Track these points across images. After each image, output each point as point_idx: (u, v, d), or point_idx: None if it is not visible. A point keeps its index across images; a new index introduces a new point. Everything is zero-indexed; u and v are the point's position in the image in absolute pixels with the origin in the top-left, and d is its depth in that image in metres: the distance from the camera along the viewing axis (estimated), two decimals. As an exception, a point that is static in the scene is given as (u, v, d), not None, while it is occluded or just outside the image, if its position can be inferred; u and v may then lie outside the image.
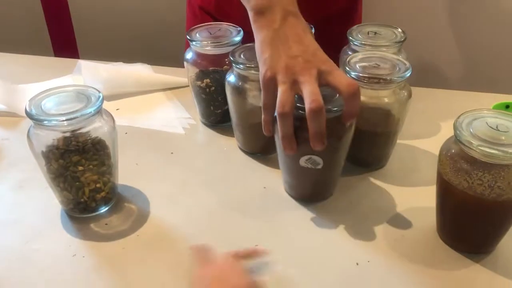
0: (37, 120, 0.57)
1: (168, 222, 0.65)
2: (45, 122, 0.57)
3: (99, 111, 0.60)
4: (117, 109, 0.87)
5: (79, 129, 0.59)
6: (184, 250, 0.60)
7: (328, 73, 0.58)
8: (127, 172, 0.73)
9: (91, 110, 0.58)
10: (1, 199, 0.69)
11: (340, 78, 0.58)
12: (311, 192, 0.69)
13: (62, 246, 0.61)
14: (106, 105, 0.87)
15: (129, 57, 1.03)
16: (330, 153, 0.63)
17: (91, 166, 0.61)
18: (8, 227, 0.64)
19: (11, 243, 0.62)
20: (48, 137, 0.59)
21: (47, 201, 0.67)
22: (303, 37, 0.61)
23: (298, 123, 0.60)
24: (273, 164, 0.72)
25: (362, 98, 0.66)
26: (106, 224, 0.64)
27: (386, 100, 0.67)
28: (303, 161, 0.63)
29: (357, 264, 0.59)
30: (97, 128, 0.61)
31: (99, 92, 0.61)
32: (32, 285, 0.56)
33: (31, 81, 0.95)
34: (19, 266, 0.59)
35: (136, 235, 0.63)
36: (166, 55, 0.87)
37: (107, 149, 0.63)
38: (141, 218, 0.65)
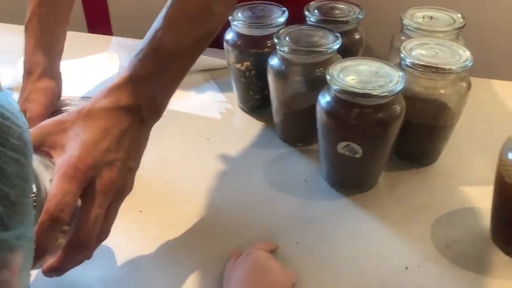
0: None
1: (201, 212, 0.62)
2: None
3: None
4: (152, 90, 0.84)
5: None
6: (218, 240, 0.57)
7: None
8: (162, 156, 0.70)
9: None
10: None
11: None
12: (348, 181, 0.65)
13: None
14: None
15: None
16: (371, 142, 0.59)
17: None
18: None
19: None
20: None
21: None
22: None
23: (337, 106, 0.56)
24: (315, 155, 0.68)
25: (417, 88, 0.61)
26: (141, 211, 0.62)
27: (442, 91, 0.62)
28: (340, 147, 0.59)
29: (407, 268, 0.54)
30: None
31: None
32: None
33: (66, 57, 0.92)
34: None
35: (171, 224, 0.60)
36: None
37: None
38: (176, 205, 0.62)
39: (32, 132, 0.42)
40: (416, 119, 0.63)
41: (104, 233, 0.45)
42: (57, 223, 0.39)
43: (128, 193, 0.47)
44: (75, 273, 0.53)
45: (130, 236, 0.58)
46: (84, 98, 0.81)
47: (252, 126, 0.77)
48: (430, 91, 0.62)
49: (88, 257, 0.45)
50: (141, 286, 0.53)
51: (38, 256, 0.37)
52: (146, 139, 0.49)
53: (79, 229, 0.41)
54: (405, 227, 0.59)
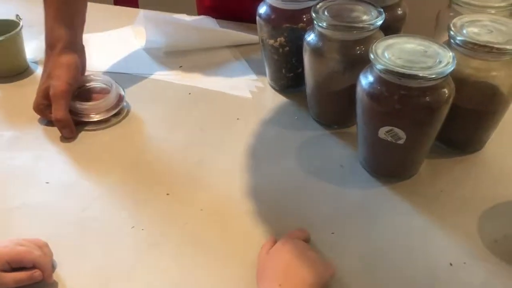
0: None
1: (231, 196, 0.59)
2: None
3: None
4: (180, 67, 0.81)
5: None
6: (249, 227, 0.54)
7: None
8: (190, 137, 0.67)
9: None
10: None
11: None
12: (388, 168, 0.61)
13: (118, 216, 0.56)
14: (169, 62, 0.81)
15: (191, 10, 0.95)
16: (417, 128, 0.54)
17: None
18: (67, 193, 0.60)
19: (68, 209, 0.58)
20: None
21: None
22: None
23: (380, 87, 0.52)
24: (352, 139, 0.64)
25: (468, 70, 0.57)
26: (168, 194, 0.59)
27: (495, 73, 0.57)
28: (382, 132, 0.54)
29: (451, 264, 0.51)
30: None
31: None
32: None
33: (91, 30, 0.89)
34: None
35: (200, 209, 0.57)
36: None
37: None
38: (204, 188, 0.60)
39: None
40: (464, 104, 0.58)
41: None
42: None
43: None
44: (99, 255, 0.51)
45: (157, 221, 0.56)
46: (107, 73, 0.78)
47: (285, 107, 0.73)
48: (481, 73, 0.57)
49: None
50: (168, 272, 0.50)
51: None
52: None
53: None
54: (449, 220, 0.55)
